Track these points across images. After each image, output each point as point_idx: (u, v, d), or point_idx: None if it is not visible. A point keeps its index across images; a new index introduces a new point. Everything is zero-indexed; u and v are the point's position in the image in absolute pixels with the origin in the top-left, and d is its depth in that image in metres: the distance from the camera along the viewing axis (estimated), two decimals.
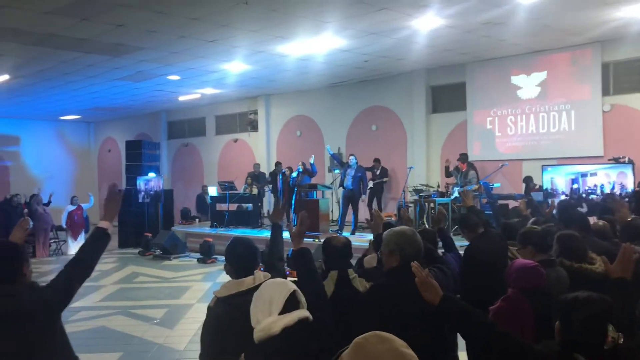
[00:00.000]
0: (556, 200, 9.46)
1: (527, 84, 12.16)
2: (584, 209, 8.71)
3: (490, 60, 12.55)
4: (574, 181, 9.49)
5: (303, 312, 2.35)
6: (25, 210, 14.68)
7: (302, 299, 2.41)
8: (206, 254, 12.42)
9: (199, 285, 10.18)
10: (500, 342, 2.31)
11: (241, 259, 2.96)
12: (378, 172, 13.79)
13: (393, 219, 12.71)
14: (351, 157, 12.66)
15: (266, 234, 6.68)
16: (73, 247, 14.38)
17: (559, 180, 9.92)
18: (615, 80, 11.14)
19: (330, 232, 11.96)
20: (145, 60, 11.87)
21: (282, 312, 2.29)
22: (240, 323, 2.68)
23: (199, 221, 16.77)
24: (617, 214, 4.36)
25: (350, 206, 12.54)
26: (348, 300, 3.19)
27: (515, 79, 12.34)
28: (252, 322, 2.34)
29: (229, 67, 12.82)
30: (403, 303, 2.82)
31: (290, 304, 2.33)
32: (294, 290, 2.37)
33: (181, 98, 17.24)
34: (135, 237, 14.97)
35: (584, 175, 10.03)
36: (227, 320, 2.77)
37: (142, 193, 15.60)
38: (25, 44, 10.20)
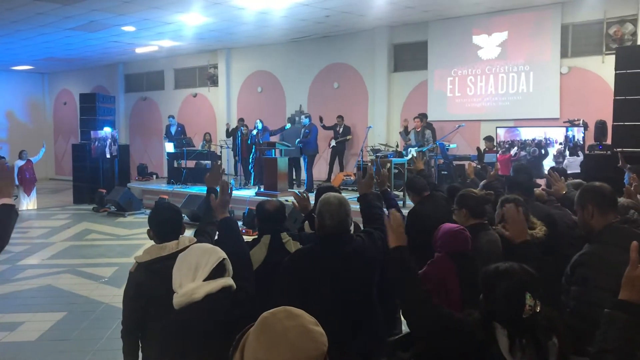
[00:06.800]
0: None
1: (488, 44, 12.07)
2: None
3: (452, 19, 12.39)
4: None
5: (227, 280, 2.32)
6: None
7: (230, 267, 2.37)
8: None
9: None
10: (428, 310, 2.28)
11: (166, 224, 2.87)
12: (340, 130, 13.66)
13: (352, 177, 12.73)
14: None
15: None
16: (25, 203, 14.00)
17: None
18: (573, 43, 11.15)
19: (290, 191, 11.87)
20: (97, 9, 11.36)
21: (207, 279, 2.24)
22: (161, 289, 2.60)
23: (156, 178, 16.49)
24: (553, 187, 4.37)
25: None
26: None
27: (477, 39, 12.23)
28: (174, 285, 2.27)
29: (186, 19, 12.37)
30: (315, 271, 2.79)
31: (217, 272, 2.28)
32: (224, 259, 2.32)
33: (138, 50, 16.65)
34: (90, 193, 14.62)
35: None
36: (148, 287, 2.69)
37: (109, 141, 14.98)
38: None
